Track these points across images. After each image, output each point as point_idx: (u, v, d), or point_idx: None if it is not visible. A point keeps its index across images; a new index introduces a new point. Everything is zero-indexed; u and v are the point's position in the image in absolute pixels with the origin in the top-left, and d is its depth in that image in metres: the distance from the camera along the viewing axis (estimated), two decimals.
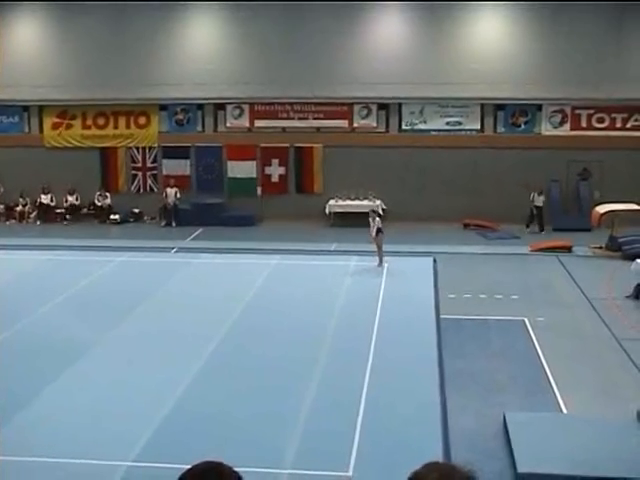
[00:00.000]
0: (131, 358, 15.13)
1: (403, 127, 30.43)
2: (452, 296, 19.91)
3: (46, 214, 31.13)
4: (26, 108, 31.68)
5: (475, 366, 15.12)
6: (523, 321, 18.02)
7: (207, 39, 30.47)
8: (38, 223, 30.99)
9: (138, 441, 11.43)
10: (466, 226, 29.17)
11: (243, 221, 29.74)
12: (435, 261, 23.19)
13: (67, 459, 10.80)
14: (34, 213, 31.37)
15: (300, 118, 30.62)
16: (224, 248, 25.45)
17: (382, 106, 30.27)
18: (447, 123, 30.20)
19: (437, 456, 9.94)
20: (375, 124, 30.40)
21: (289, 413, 12.49)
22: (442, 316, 17.89)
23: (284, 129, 30.72)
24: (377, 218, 22.78)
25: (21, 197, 31.27)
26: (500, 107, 30.00)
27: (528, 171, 29.23)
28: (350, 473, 10.52)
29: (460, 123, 30.09)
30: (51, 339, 16.30)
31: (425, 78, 29.35)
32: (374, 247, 22.55)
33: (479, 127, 30.12)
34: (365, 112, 30.40)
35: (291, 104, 30.45)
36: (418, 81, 29.37)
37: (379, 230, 22.33)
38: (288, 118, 30.70)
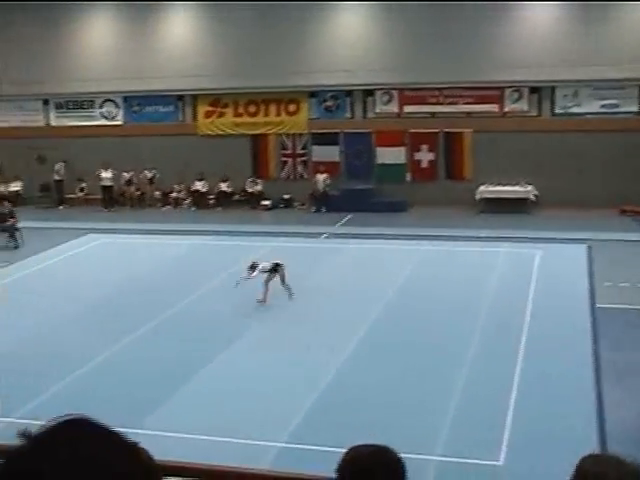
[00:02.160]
0: (309, 343, 15.31)
1: (556, 111, 29.63)
2: (608, 284, 19.27)
3: (200, 200, 31.97)
4: (181, 97, 32.59)
5: (633, 358, 14.58)
6: None
7: (356, 26, 30.50)
8: (193, 209, 31.86)
9: (291, 422, 11.60)
10: (623, 212, 28.15)
11: (392, 207, 29.66)
12: (590, 248, 22.51)
13: (221, 437, 11.06)
14: (188, 199, 32.28)
15: (450, 103, 30.26)
16: (373, 234, 25.48)
17: (534, 89, 29.54)
18: (602, 106, 29.17)
19: (592, 449, 9.66)
20: (527, 108, 29.73)
21: (439, 398, 12.42)
22: (597, 305, 17.36)
23: (433, 114, 30.44)
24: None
25: (176, 184, 32.23)
26: None
27: None
28: (501, 462, 10.36)
29: (616, 105, 29.01)
30: (205, 322, 16.74)
31: (579, 60, 28.42)
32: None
33: (637, 109, 28.97)
34: (516, 96, 29.75)
35: (440, 89, 30.13)
36: (572, 63, 28.49)
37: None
38: (437, 103, 30.39)
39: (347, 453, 2.85)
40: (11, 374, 14.06)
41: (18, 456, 1.48)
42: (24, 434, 1.52)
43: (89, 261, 23.31)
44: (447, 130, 30.27)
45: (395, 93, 30.70)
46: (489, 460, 10.41)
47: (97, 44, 32.63)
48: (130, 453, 1.55)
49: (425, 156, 30.76)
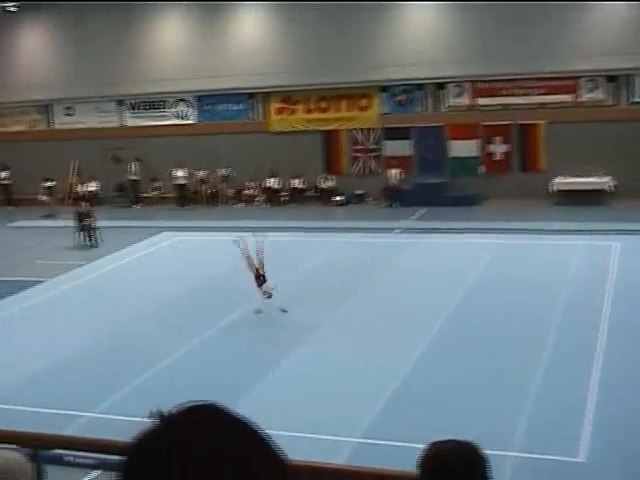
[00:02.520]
0: (380, 335, 15.34)
1: (634, 99, 28.98)
2: None
3: (272, 197, 32.11)
4: (252, 95, 32.77)
5: None
6: None
7: (426, 19, 30.28)
8: (266, 206, 32.02)
9: (366, 418, 11.57)
10: None
11: (466, 200, 29.39)
12: None
13: (296, 433, 11.08)
14: (261, 197, 32.45)
15: (523, 94, 29.83)
16: (447, 228, 25.28)
17: (611, 78, 28.94)
18: None
19: None
20: (603, 97, 29.16)
21: (516, 394, 12.26)
22: None
23: (506, 106, 30.05)
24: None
25: (249, 181, 32.43)
26: None
27: None
28: (581, 459, 10.17)
29: None
30: (280, 319, 16.80)
31: None
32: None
33: None
34: (592, 85, 29.19)
35: (513, 80, 29.73)
36: None
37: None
38: (510, 95, 30.00)
39: (429, 448, 2.81)
40: (88, 371, 14.33)
41: (151, 436, 1.45)
42: (156, 414, 1.48)
43: (164, 259, 23.62)
44: (521, 122, 29.85)
45: (467, 85, 30.41)
46: (568, 457, 10.23)
47: (169, 44, 33.01)
48: (264, 445, 1.52)
49: (498, 148, 30.40)
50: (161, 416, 1.48)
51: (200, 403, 1.51)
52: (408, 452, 9.48)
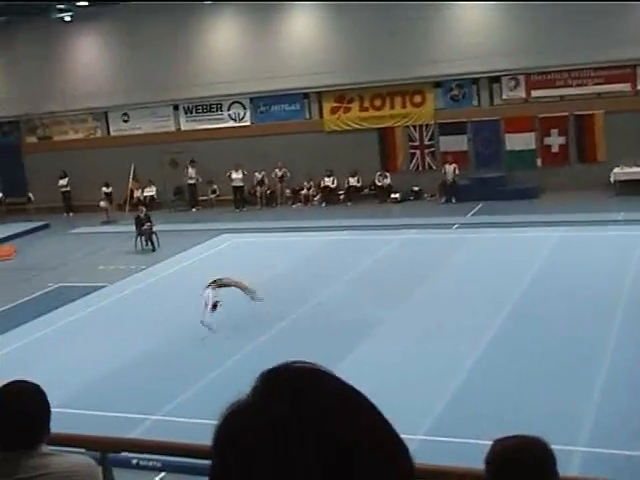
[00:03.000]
0: (441, 322, 15.26)
1: None
2: None
3: (329, 196, 32.13)
4: (306, 95, 32.84)
5: None
6: None
7: (478, 13, 30.03)
8: (323, 205, 32.06)
9: (429, 415, 11.52)
10: None
11: (523, 194, 29.06)
12: None
13: None
14: (318, 196, 32.50)
15: (579, 85, 29.44)
16: (505, 222, 25.02)
17: None
18: None
19: None
20: None
21: (581, 387, 12.10)
22: None
23: (562, 97, 29.68)
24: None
25: (306, 181, 32.50)
26: None
27: None
28: None
29: None
30: (340, 317, 16.81)
31: None
32: None
33: None
34: None
35: (569, 71, 29.35)
36: None
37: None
38: (566, 86, 29.62)
39: (495, 445, 2.78)
40: (152, 374, 14.48)
41: (245, 404, 1.23)
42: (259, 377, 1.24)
43: (223, 261, 23.73)
44: (577, 113, 29.44)
45: (522, 78, 30.10)
46: (638, 451, 10.07)
47: (223, 46, 33.22)
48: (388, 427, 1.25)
49: (555, 140, 30.03)
50: (260, 377, 1.25)
51: (307, 364, 1.29)
52: (472, 449, 9.42)
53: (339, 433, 1.15)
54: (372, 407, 1.26)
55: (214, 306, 16.31)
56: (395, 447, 1.25)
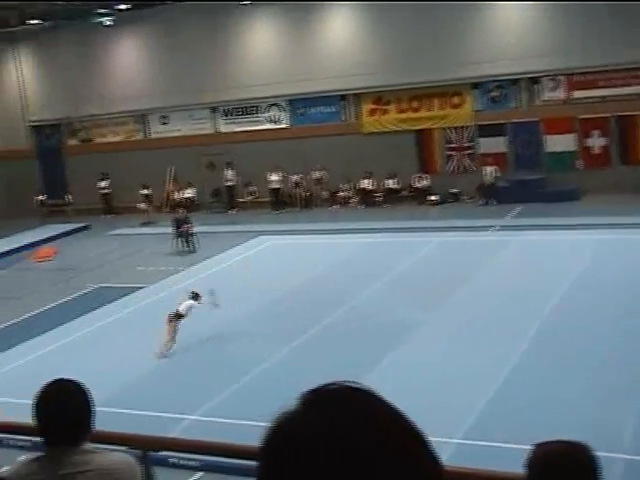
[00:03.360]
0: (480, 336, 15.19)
1: None
2: None
3: (367, 198, 32.06)
4: (343, 97, 32.80)
5: None
6: None
7: (516, 13, 29.78)
8: (360, 207, 31.98)
9: (467, 418, 11.44)
10: None
11: (564, 196, 28.74)
12: None
13: None
14: (356, 198, 32.43)
15: (621, 85, 29.06)
16: (546, 225, 24.79)
17: None
18: None
19: None
20: None
21: (623, 393, 11.94)
22: None
23: (604, 98, 29.34)
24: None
25: (343, 183, 32.45)
26: None
27: None
28: None
29: None
30: (378, 320, 16.76)
31: None
32: None
33: None
34: None
35: (610, 71, 29.00)
36: None
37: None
38: (607, 86, 29.26)
39: (537, 449, 2.72)
40: (191, 374, 14.55)
41: (291, 418, 1.37)
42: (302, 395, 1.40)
43: (261, 263, 23.81)
44: (619, 113, 29.10)
45: (562, 79, 29.80)
46: None
47: (260, 48, 33.29)
48: (419, 438, 1.40)
49: (597, 142, 29.69)
50: (303, 396, 1.41)
51: (346, 384, 1.43)
52: (510, 453, 9.34)
53: (366, 446, 1.31)
54: (404, 420, 1.40)
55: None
56: (421, 453, 1.40)
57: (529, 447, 3.11)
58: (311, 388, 1.43)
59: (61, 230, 31.85)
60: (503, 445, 10.06)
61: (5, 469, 8.91)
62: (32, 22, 32.97)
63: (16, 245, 29.52)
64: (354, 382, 1.44)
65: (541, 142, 30.27)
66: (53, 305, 21.07)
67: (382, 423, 1.37)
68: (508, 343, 14.58)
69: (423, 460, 1.39)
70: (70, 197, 36.08)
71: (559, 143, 29.89)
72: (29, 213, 35.12)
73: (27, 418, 4.19)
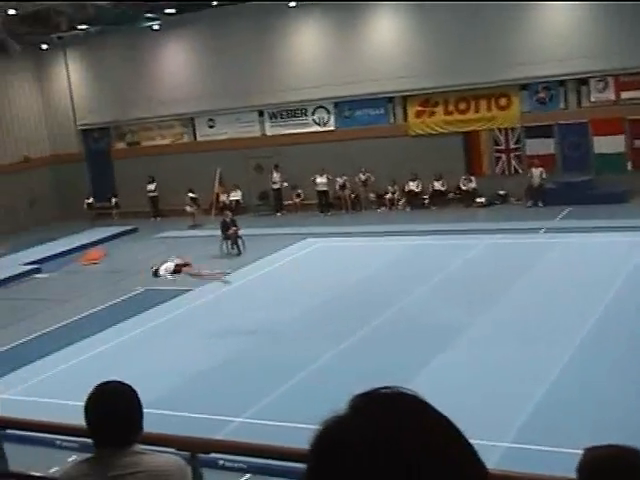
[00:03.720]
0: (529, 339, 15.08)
1: None
2: None
3: (414, 200, 31.98)
4: (390, 99, 32.76)
5: None
6: None
7: (564, 14, 29.52)
8: (407, 209, 31.90)
9: (515, 422, 11.37)
10: None
11: (613, 198, 28.40)
12: None
13: None
14: (402, 200, 32.37)
15: None
16: (595, 227, 24.51)
17: None
18: None
19: None
20: None
21: None
22: None
23: None
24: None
25: (390, 185, 32.41)
26: None
27: None
28: None
29: None
30: (425, 322, 16.72)
31: None
32: None
33: None
34: None
35: None
36: None
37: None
38: None
39: (586, 453, 2.70)
40: (238, 376, 14.63)
41: (338, 422, 1.39)
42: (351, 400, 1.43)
43: (308, 265, 23.87)
44: None
45: (611, 80, 29.46)
46: None
47: (306, 51, 33.38)
48: (465, 445, 1.43)
49: None
50: (353, 400, 1.43)
51: (396, 390, 1.46)
52: (557, 457, 9.26)
53: (410, 450, 1.34)
54: (448, 425, 1.43)
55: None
56: (464, 457, 1.43)
57: (579, 451, 3.10)
58: (360, 392, 1.45)
59: (109, 233, 32.19)
60: (551, 449, 9.98)
61: (55, 470, 9.05)
62: (81, 27, 33.40)
63: (66, 248, 29.91)
64: (402, 387, 1.47)
65: (589, 143, 29.95)
66: (102, 307, 21.34)
67: (427, 427, 1.40)
68: (557, 345, 14.46)
69: (467, 464, 1.42)
70: (117, 200, 36.52)
71: (608, 144, 29.54)
72: (79, 216, 35.66)
73: (77, 419, 4.26)
